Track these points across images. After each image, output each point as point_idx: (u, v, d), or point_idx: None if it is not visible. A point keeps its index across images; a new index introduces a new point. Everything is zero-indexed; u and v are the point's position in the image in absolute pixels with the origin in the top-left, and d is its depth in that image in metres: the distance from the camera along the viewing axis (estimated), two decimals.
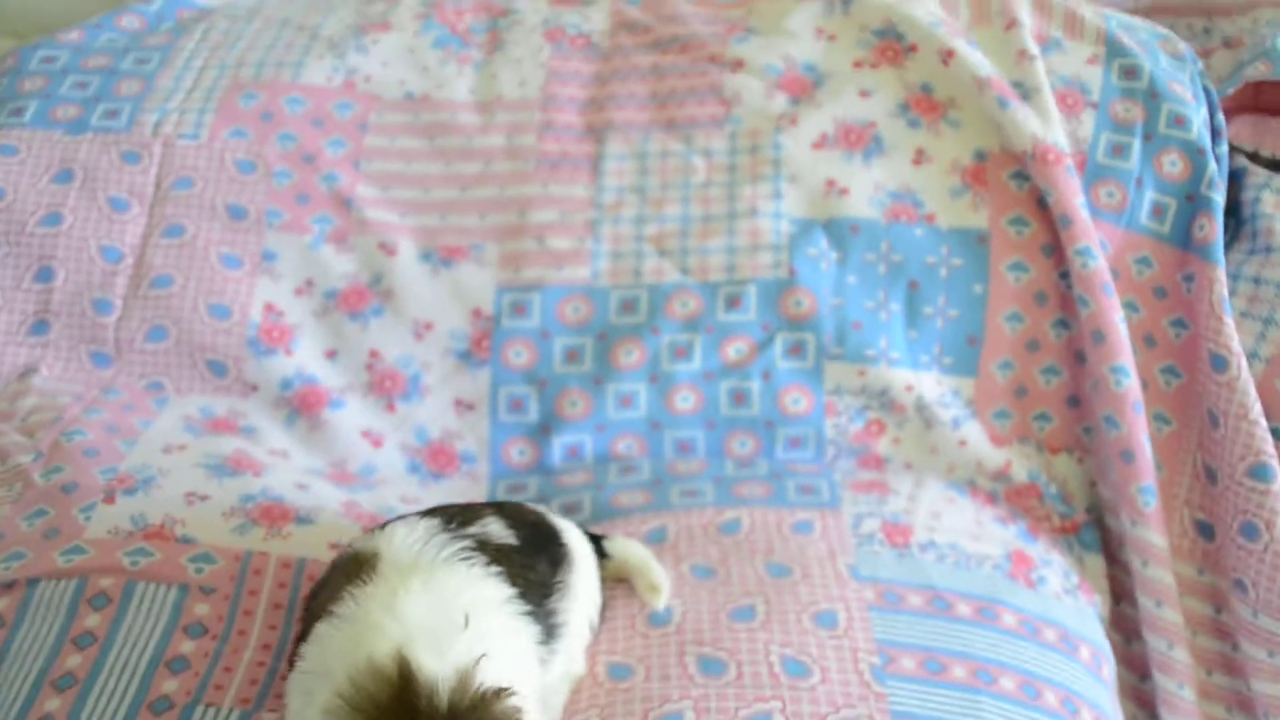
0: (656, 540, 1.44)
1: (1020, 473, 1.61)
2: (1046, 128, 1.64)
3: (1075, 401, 1.65)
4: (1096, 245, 1.59)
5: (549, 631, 1.16)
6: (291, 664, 1.09)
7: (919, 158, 1.69)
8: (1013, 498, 1.60)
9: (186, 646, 1.27)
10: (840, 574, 1.38)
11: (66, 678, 1.23)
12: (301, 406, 1.64)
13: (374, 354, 1.67)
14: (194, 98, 1.82)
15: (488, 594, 1.10)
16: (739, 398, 1.60)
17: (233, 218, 1.73)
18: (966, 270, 1.64)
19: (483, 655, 0.99)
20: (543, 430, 1.65)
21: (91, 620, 1.28)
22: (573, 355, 1.65)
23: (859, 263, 1.64)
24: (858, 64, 1.75)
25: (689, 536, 1.44)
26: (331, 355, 1.68)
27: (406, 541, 1.13)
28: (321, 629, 1.07)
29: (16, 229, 1.70)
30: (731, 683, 1.22)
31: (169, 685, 1.22)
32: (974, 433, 1.62)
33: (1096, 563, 1.59)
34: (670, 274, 1.66)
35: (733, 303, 1.61)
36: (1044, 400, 1.65)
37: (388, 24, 1.91)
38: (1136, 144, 1.66)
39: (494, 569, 1.12)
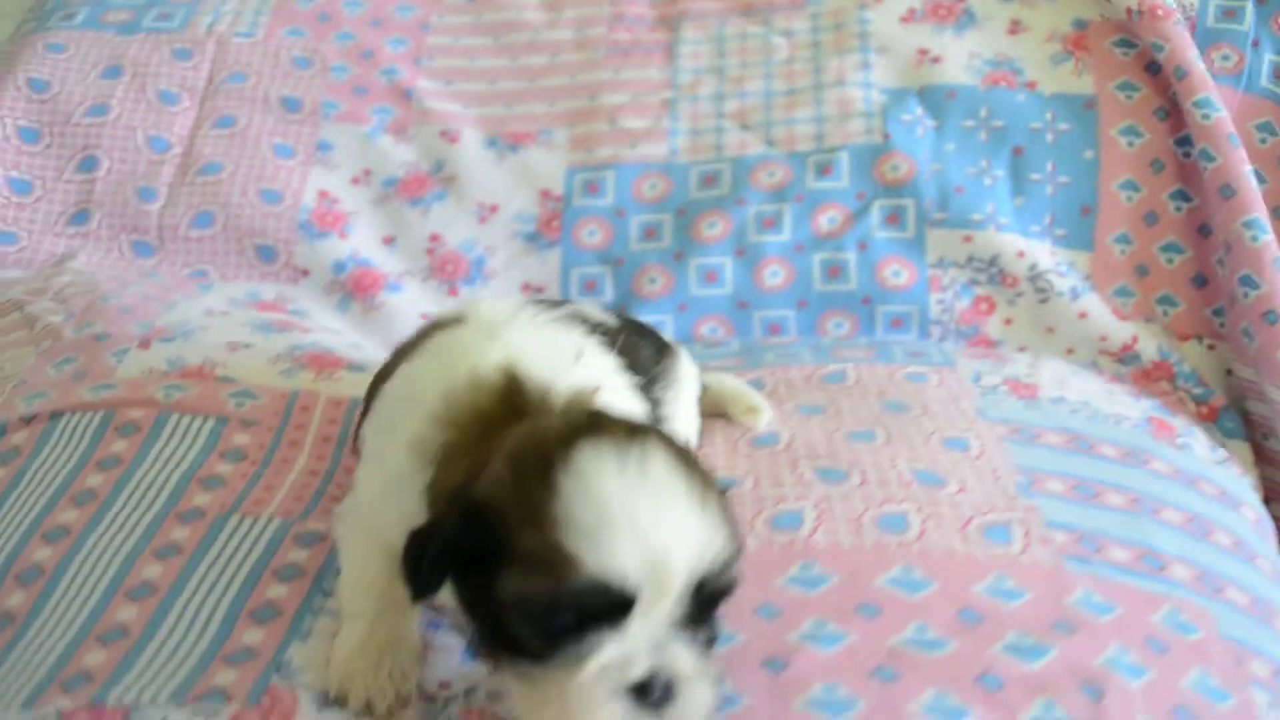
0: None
1: (1149, 349, 1.44)
2: None
3: (1202, 281, 1.49)
4: (1217, 96, 1.45)
5: (652, 419, 0.98)
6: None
7: (1014, 28, 1.58)
8: (1141, 379, 1.42)
9: (223, 468, 1.11)
10: (965, 412, 1.21)
11: (87, 494, 1.07)
12: (355, 290, 1.51)
13: (435, 239, 1.56)
14: (249, 1, 1.75)
15: (594, 350, 0.95)
16: (833, 271, 1.46)
17: (287, 110, 1.64)
18: (1074, 136, 1.51)
19: (598, 387, 0.84)
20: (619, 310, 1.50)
21: (118, 445, 1.13)
22: (650, 233, 1.53)
23: (957, 129, 1.51)
24: None
25: (789, 385, 1.28)
26: (389, 241, 1.56)
27: (496, 307, 0.98)
28: (405, 368, 0.94)
29: (61, 120, 1.62)
30: (856, 488, 1.05)
31: (201, 498, 1.06)
32: (1094, 305, 1.46)
33: (1243, 450, 1.40)
34: (754, 146, 1.54)
35: (823, 170, 1.49)
36: (1167, 281, 1.49)
37: None
38: (1249, 5, 1.54)
39: (596, 335, 0.98)
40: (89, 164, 1.58)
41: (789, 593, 0.91)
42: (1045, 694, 0.83)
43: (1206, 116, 1.43)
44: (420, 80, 1.66)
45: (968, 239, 1.45)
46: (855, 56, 1.56)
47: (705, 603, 0.70)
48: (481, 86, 1.66)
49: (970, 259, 1.46)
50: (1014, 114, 1.51)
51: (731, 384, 1.21)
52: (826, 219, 1.49)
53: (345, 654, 0.84)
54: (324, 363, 1.30)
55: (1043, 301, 1.44)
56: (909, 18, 1.59)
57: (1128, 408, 1.30)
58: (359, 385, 1.23)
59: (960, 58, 1.54)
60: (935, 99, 1.52)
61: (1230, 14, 1.54)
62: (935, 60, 1.54)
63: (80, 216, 1.56)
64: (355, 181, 1.58)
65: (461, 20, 1.73)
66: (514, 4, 1.73)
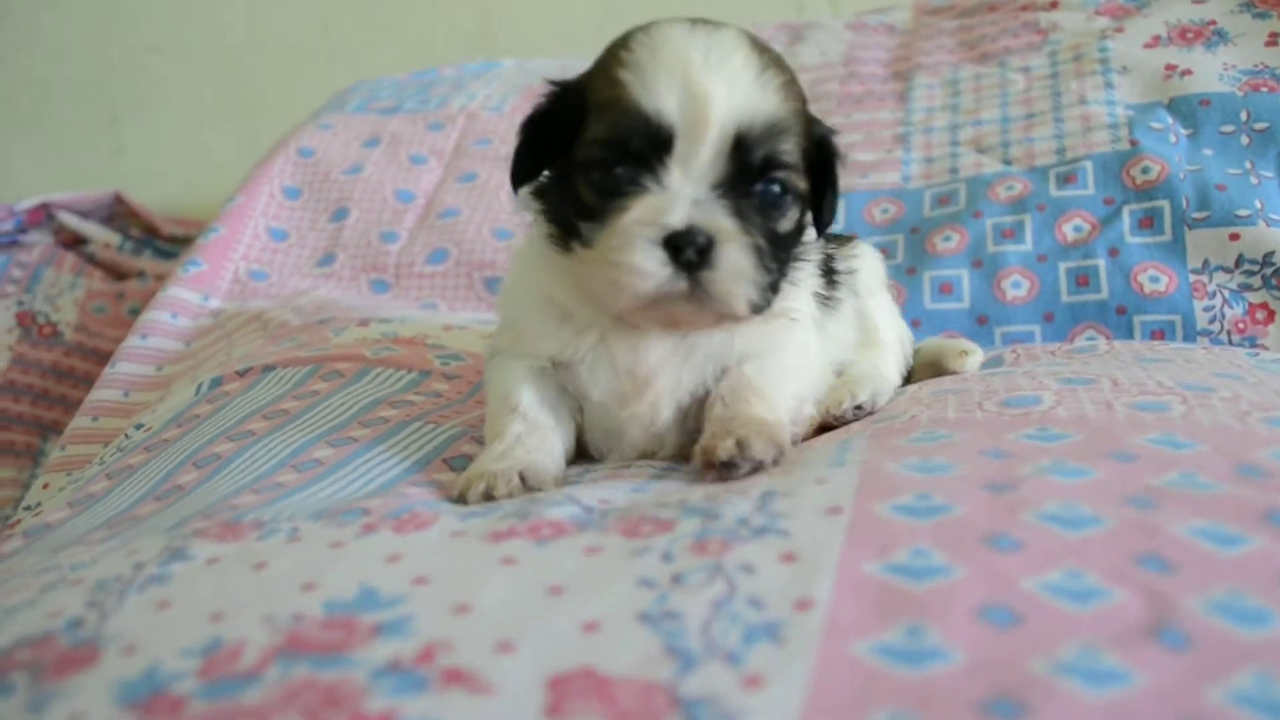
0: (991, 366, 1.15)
1: None
2: None
3: None
4: None
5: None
6: None
7: (1274, 40, 1.46)
8: None
9: (416, 398, 1.08)
10: (1239, 364, 1.03)
11: (277, 412, 1.06)
12: None
13: None
14: (499, 89, 1.87)
15: None
16: (1082, 280, 1.32)
17: None
18: None
19: None
20: None
21: (318, 385, 1.13)
22: (883, 252, 1.43)
23: (1214, 135, 1.38)
24: None
25: (1031, 357, 1.14)
26: None
27: None
28: None
29: (320, 179, 1.74)
30: (1107, 388, 0.90)
31: (388, 412, 1.02)
32: None
33: None
34: (991, 165, 1.46)
35: (1066, 180, 1.38)
36: None
37: None
38: None
39: None
40: (340, 214, 1.67)
41: (1023, 444, 0.76)
42: None
43: None
44: None
45: (1235, 237, 1.29)
46: (1097, 79, 1.48)
47: (751, 169, 0.74)
48: None
49: (1240, 259, 1.29)
50: (1278, 116, 1.37)
51: (940, 338, 1.09)
52: (1071, 227, 1.36)
53: (478, 464, 0.82)
54: None
55: None
56: (1153, 43, 1.50)
57: None
58: None
59: (1212, 69, 1.43)
60: (1187, 108, 1.40)
61: None
62: (1185, 74, 1.44)
63: (327, 259, 1.63)
64: None
65: None
66: None
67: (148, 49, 2.74)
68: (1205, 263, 1.29)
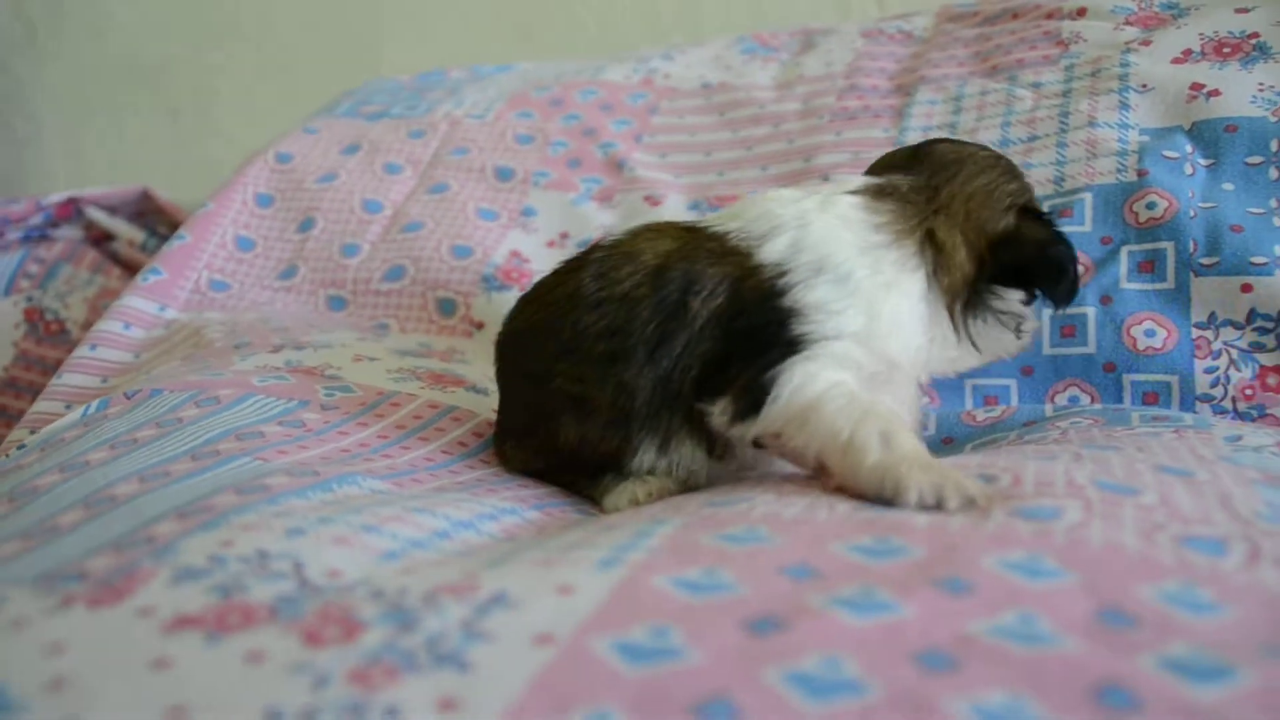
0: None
1: None
2: None
3: None
4: None
5: None
6: None
7: None
8: None
9: (273, 429, 0.98)
10: (1202, 456, 0.86)
11: (127, 442, 0.97)
12: None
13: None
14: (490, 94, 1.76)
15: None
16: (1067, 331, 1.15)
17: (499, 179, 1.59)
18: None
19: None
20: None
21: (187, 412, 1.04)
22: None
23: (1238, 167, 1.18)
24: None
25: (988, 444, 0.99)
26: None
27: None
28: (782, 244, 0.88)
29: (294, 186, 1.66)
30: (1000, 487, 0.75)
31: (228, 445, 0.93)
32: None
33: None
34: None
35: (1061, 214, 1.21)
36: None
37: (701, 43, 1.81)
38: None
39: None
40: (307, 224, 1.59)
41: (841, 558, 0.62)
42: None
43: None
44: (636, 154, 1.57)
45: (1247, 288, 1.10)
46: (1112, 98, 1.30)
47: None
48: (697, 157, 1.54)
49: (1252, 314, 1.10)
50: None
51: None
52: None
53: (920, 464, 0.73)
54: (445, 380, 1.16)
55: None
56: (1183, 58, 1.31)
57: None
58: (473, 402, 1.09)
59: (1244, 89, 1.24)
60: (1209, 134, 1.21)
61: None
62: (1212, 94, 1.25)
63: (289, 271, 1.56)
64: (551, 244, 1.49)
65: (690, 103, 1.65)
66: (745, 87, 1.62)
67: (212, 43, 2.73)
68: (1212, 316, 1.11)
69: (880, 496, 0.72)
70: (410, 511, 0.76)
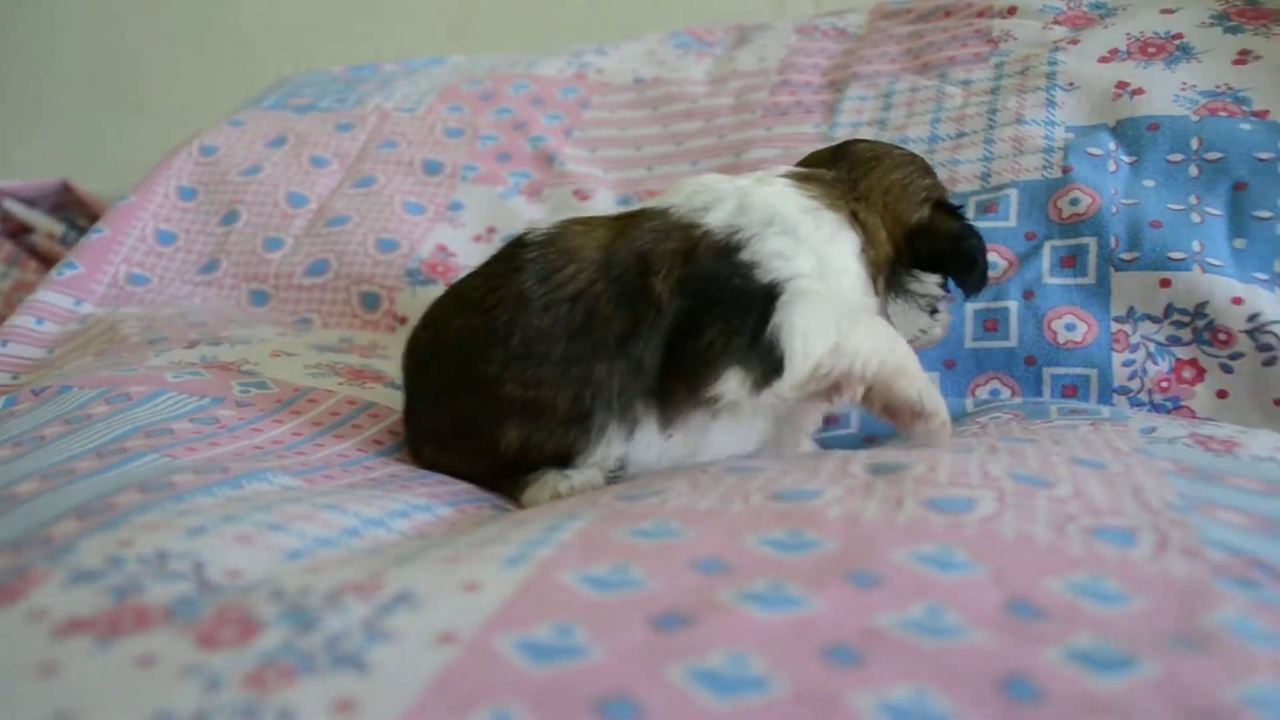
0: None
1: None
2: None
3: None
4: None
5: None
6: None
7: (1243, 58, 1.28)
8: None
9: (184, 425, 0.95)
10: (1117, 449, 0.87)
11: (34, 439, 0.94)
12: None
13: None
14: (421, 87, 1.74)
15: None
16: (990, 325, 1.16)
17: (427, 172, 1.57)
18: None
19: None
20: None
21: (97, 409, 1.01)
22: None
23: (1160, 164, 1.20)
24: None
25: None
26: None
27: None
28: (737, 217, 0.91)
29: (217, 179, 1.63)
30: (911, 476, 0.75)
31: (136, 442, 0.90)
32: None
33: None
34: None
35: (986, 209, 1.22)
36: None
37: (635, 37, 1.80)
38: None
39: None
40: (230, 217, 1.56)
41: (753, 551, 0.62)
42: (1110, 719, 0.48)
43: None
44: (566, 148, 1.55)
45: (1165, 283, 1.12)
46: (1039, 95, 1.31)
47: None
48: (627, 152, 1.53)
49: (1169, 309, 1.12)
50: (1236, 144, 1.19)
51: None
52: None
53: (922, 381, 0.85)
54: (364, 376, 1.14)
55: (1269, 363, 1.07)
56: (1109, 57, 1.33)
57: None
58: (391, 398, 1.07)
59: (1168, 89, 1.26)
60: (1133, 132, 1.23)
61: None
62: (1136, 93, 1.26)
63: (211, 265, 1.52)
64: (477, 239, 1.47)
65: (624, 98, 1.63)
66: (678, 81, 1.62)
67: (138, 35, 2.67)
68: (1130, 310, 1.13)
69: (912, 405, 0.84)
70: (319, 509, 0.74)
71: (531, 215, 1.46)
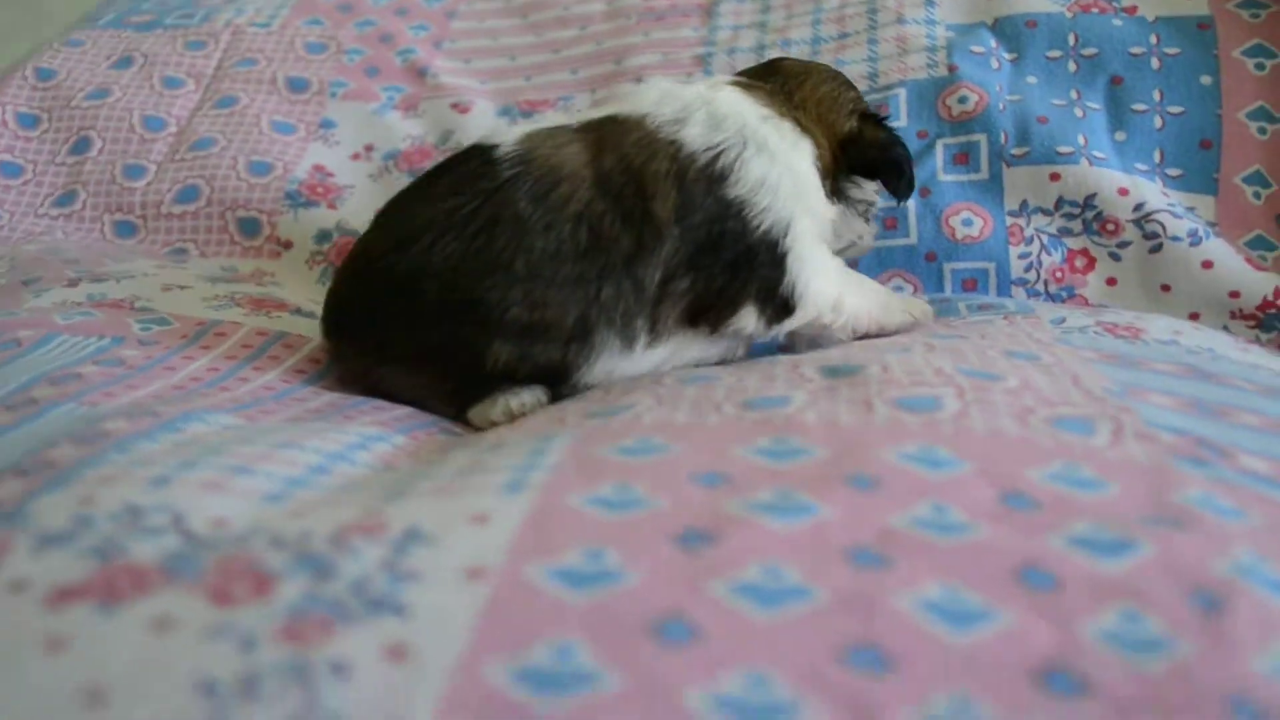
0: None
1: None
2: None
3: None
4: None
5: None
6: None
7: None
8: None
9: (89, 369, 0.89)
10: (1041, 340, 0.92)
11: None
12: (338, 260, 1.31)
13: None
14: (274, 1, 1.64)
15: None
16: (890, 223, 1.19)
17: (293, 90, 1.50)
18: (1187, 60, 1.23)
19: None
20: None
21: None
22: None
23: (1040, 60, 1.25)
24: None
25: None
26: None
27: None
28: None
29: (61, 104, 1.51)
30: (872, 379, 0.77)
31: (42, 391, 0.84)
32: (1221, 252, 1.14)
33: None
34: None
35: (877, 109, 1.23)
36: None
37: None
38: None
39: None
40: (81, 145, 1.45)
41: (746, 461, 0.63)
42: (1125, 598, 0.51)
43: None
44: (438, 60, 1.50)
45: (1055, 176, 1.17)
46: None
47: None
48: (502, 62, 1.49)
49: (1060, 201, 1.17)
50: (1109, 40, 1.24)
51: None
52: None
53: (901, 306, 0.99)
54: (268, 305, 1.09)
55: (1155, 250, 1.14)
56: None
57: (1270, 360, 0.97)
58: (302, 326, 1.02)
59: None
60: (1012, 30, 1.27)
61: None
62: None
63: (66, 198, 1.42)
64: (355, 157, 1.41)
65: (491, 6, 1.58)
66: None
67: None
68: (1023, 204, 1.18)
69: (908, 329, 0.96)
70: (276, 448, 0.72)
71: (410, 130, 1.42)
